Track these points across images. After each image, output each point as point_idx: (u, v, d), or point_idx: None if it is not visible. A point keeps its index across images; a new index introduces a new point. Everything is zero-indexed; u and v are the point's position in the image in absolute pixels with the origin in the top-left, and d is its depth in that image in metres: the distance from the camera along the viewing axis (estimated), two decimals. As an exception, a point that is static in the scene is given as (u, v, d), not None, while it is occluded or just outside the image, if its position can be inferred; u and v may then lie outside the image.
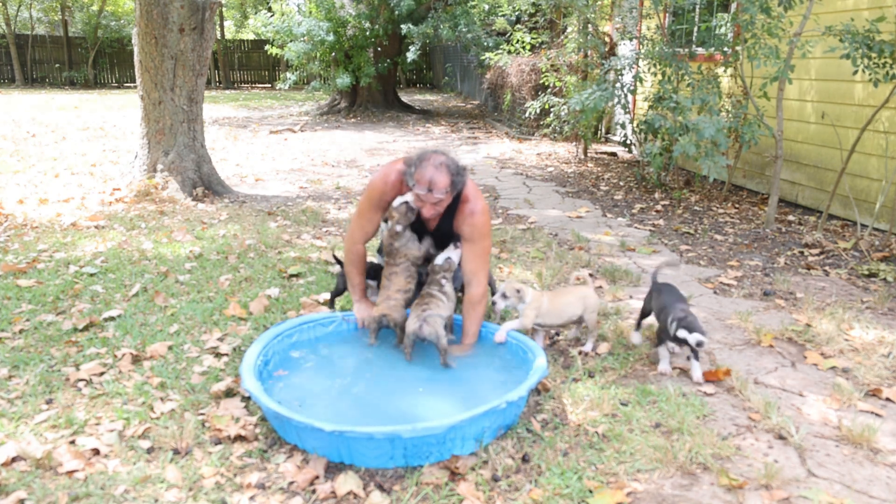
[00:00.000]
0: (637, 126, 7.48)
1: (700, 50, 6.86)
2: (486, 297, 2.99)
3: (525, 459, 2.20)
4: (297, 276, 4.00)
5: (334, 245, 4.61)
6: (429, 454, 2.15)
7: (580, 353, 2.99)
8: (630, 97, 8.17)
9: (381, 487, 2.07)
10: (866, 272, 4.10)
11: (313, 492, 2.06)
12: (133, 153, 6.35)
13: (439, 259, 2.99)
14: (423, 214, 2.93)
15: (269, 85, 24.43)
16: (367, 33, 13.38)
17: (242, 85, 25.07)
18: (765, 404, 2.49)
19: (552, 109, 9.09)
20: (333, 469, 2.16)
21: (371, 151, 9.54)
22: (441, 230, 3.04)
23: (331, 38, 12.81)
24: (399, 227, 2.95)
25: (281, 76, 14.56)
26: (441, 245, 3.11)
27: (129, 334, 3.14)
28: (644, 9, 7.89)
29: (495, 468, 2.15)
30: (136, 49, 5.85)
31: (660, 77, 6.32)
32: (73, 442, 2.28)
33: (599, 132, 10.12)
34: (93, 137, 10.37)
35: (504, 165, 8.42)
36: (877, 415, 2.49)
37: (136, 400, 2.56)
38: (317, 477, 2.11)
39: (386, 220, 3.08)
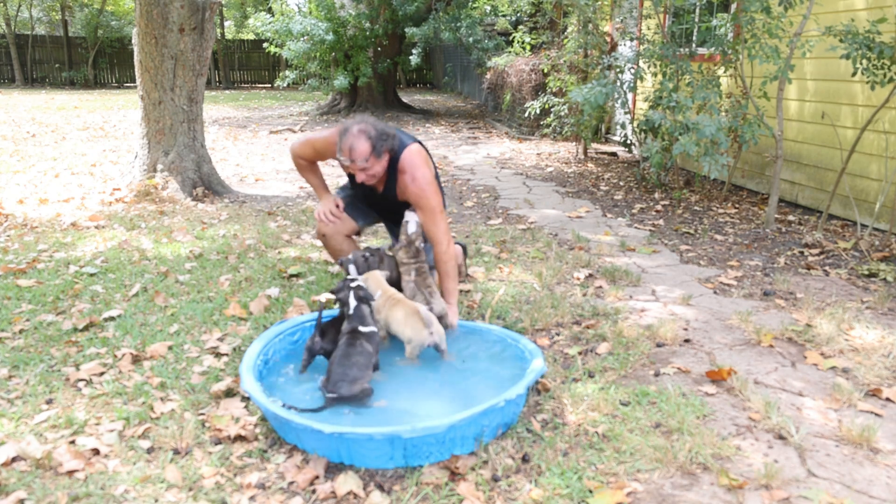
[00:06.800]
0: (637, 126, 7.49)
1: (700, 50, 6.86)
2: (452, 258, 3.16)
3: (525, 459, 2.20)
4: (297, 276, 4.00)
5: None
6: (429, 454, 2.15)
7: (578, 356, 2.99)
8: (630, 95, 8.17)
9: (381, 487, 2.07)
10: (866, 272, 4.10)
11: (313, 492, 2.06)
12: (133, 153, 6.35)
13: (410, 227, 3.17)
14: (358, 181, 3.11)
15: (269, 85, 24.43)
16: (367, 33, 13.37)
17: (242, 85, 25.07)
18: (765, 404, 2.49)
19: (552, 109, 9.09)
20: (333, 469, 2.16)
21: (371, 151, 9.52)
22: (389, 192, 3.25)
23: (330, 37, 12.81)
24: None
25: (280, 74, 14.56)
26: (393, 208, 3.35)
27: (129, 334, 3.14)
28: (644, 9, 7.89)
29: (495, 468, 2.15)
30: (136, 49, 5.85)
31: (660, 77, 6.32)
32: (73, 442, 2.28)
33: (599, 132, 10.13)
34: (93, 137, 10.37)
35: (504, 165, 8.42)
36: (877, 415, 2.49)
37: (136, 400, 2.56)
38: (317, 477, 2.11)
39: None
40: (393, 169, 3.15)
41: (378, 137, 2.99)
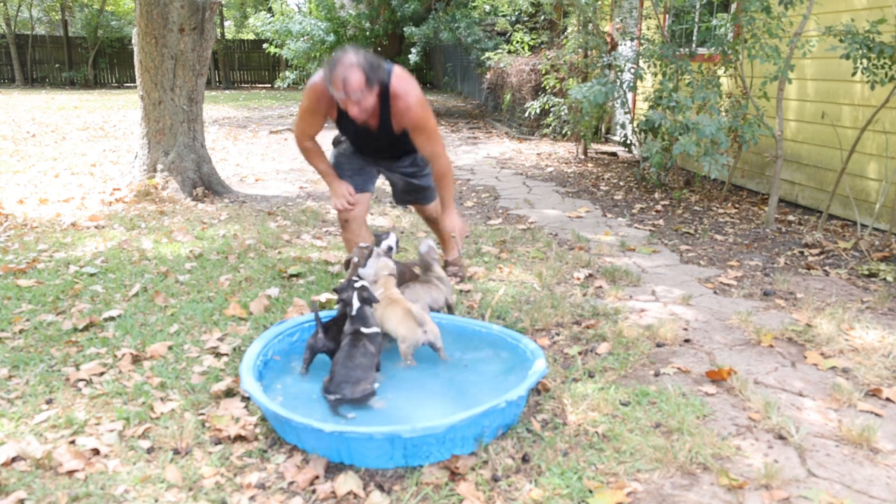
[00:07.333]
0: (637, 126, 7.49)
1: (700, 50, 6.86)
2: (451, 168, 3.29)
3: (525, 459, 2.20)
4: (297, 276, 4.00)
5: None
6: (429, 454, 2.15)
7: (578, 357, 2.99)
8: (629, 95, 8.16)
9: (381, 487, 2.07)
10: (866, 272, 4.10)
11: (313, 492, 2.06)
12: (133, 153, 6.35)
13: (422, 248, 3.29)
14: (352, 116, 3.02)
15: (269, 85, 24.43)
16: (367, 33, 13.37)
17: (242, 85, 25.07)
18: (765, 404, 2.49)
19: (552, 110, 9.09)
20: (333, 469, 2.16)
21: (371, 151, 9.53)
22: (384, 125, 3.19)
23: (331, 38, 12.82)
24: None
25: (280, 75, 14.57)
26: (392, 146, 3.33)
27: (129, 334, 3.14)
28: (644, 9, 7.90)
29: (495, 468, 2.15)
30: (136, 49, 5.85)
31: (660, 77, 6.33)
32: (73, 442, 2.28)
33: (599, 132, 10.13)
34: (93, 137, 10.37)
35: (504, 165, 8.42)
36: (877, 415, 2.49)
37: (136, 400, 2.56)
38: (317, 477, 2.11)
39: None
40: (385, 98, 3.08)
41: (370, 68, 2.91)
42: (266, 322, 3.31)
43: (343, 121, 3.25)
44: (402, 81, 3.10)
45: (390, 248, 3.18)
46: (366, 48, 13.54)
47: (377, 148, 3.44)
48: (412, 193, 3.70)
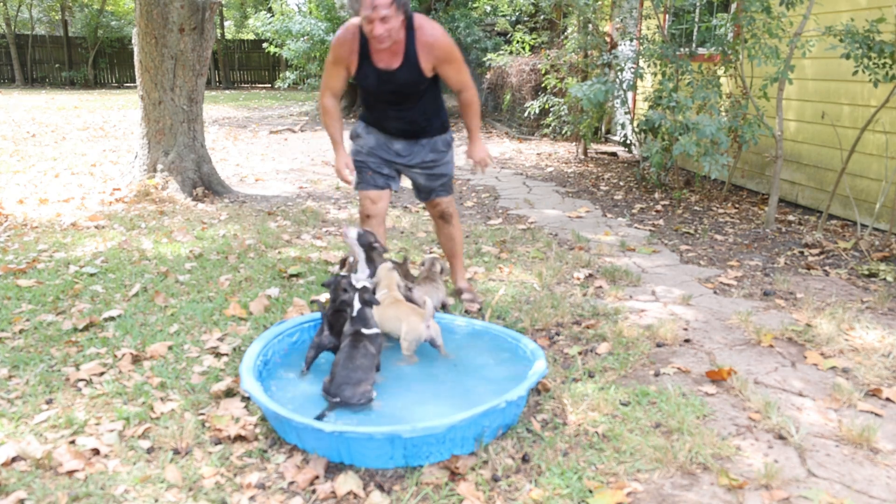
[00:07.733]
0: (637, 126, 7.49)
1: (700, 50, 6.86)
2: (478, 97, 3.36)
3: (525, 459, 2.20)
4: (297, 276, 4.00)
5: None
6: (429, 454, 2.15)
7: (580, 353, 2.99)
8: (629, 94, 8.16)
9: (381, 487, 2.07)
10: (866, 272, 4.10)
11: (313, 492, 2.06)
12: (133, 153, 6.35)
13: (437, 266, 3.41)
14: (378, 39, 2.97)
15: (269, 85, 24.43)
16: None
17: (242, 85, 25.09)
18: (765, 404, 2.49)
19: (552, 109, 9.09)
20: (333, 469, 2.16)
21: (371, 151, 9.52)
22: (410, 60, 3.17)
23: (331, 38, 12.82)
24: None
25: (280, 75, 14.58)
26: (413, 89, 3.26)
27: (129, 334, 3.14)
28: (644, 9, 7.90)
29: (495, 468, 2.15)
30: (136, 49, 5.85)
31: (660, 77, 6.33)
32: (73, 442, 2.28)
33: (599, 132, 10.13)
34: (93, 137, 10.37)
35: (504, 165, 8.42)
36: (877, 415, 2.49)
37: (136, 400, 2.56)
38: (317, 477, 2.11)
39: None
40: (410, 30, 3.11)
41: None
42: (266, 322, 3.31)
43: (364, 68, 3.21)
44: (426, 18, 3.16)
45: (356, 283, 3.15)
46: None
47: (397, 102, 3.31)
48: (434, 191, 3.64)
